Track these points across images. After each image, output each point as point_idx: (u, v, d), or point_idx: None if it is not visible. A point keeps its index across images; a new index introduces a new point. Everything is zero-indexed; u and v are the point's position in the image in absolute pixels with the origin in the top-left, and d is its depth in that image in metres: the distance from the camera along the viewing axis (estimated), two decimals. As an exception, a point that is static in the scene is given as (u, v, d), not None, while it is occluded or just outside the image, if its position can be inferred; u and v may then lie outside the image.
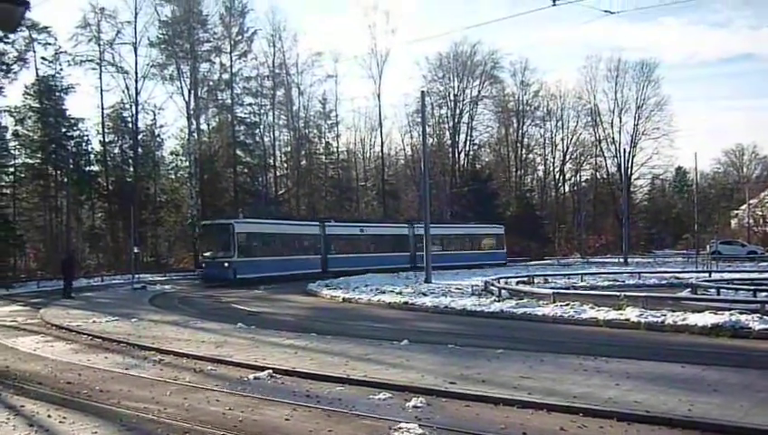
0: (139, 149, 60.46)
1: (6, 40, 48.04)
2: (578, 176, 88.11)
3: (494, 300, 24.14)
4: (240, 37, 65.57)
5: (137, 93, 59.16)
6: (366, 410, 9.24)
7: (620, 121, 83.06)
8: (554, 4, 21.52)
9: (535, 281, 34.20)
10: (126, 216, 48.26)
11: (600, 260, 62.84)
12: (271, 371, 11.81)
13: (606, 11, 25.31)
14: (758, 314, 16.74)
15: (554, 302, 21.76)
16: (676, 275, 37.87)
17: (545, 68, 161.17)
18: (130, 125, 59.84)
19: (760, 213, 78.70)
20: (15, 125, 52.89)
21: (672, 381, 10.29)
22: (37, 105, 53.48)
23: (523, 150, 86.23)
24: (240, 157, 66.71)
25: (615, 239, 73.26)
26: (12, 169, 52.68)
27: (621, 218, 65.77)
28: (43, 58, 53.30)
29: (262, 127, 69.99)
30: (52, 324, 20.43)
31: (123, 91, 59.10)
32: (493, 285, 28.84)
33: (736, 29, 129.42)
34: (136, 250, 42.63)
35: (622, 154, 76.75)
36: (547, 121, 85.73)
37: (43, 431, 8.39)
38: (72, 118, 55.38)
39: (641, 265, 49.62)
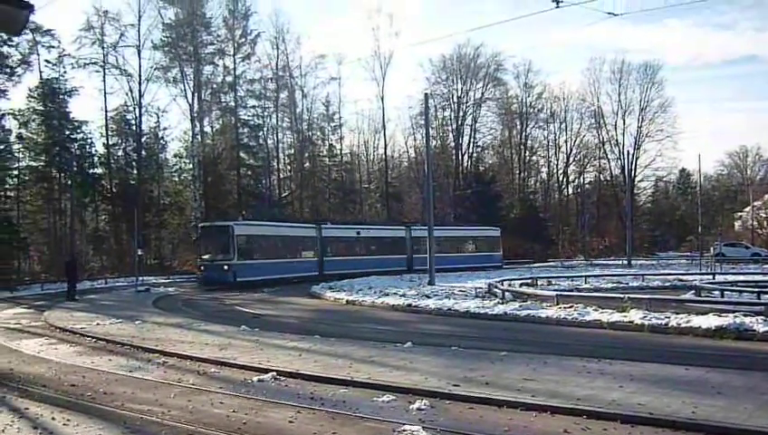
0: (143, 152, 60.55)
1: (10, 43, 48.23)
2: (581, 178, 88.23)
3: (498, 302, 24.11)
4: (243, 40, 65.74)
5: (140, 96, 59.35)
6: (370, 412, 9.24)
7: (624, 123, 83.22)
8: (558, 6, 21.58)
9: (539, 283, 34.14)
10: (129, 218, 48.33)
11: (604, 262, 62.70)
12: (275, 373, 11.80)
13: (609, 13, 25.31)
14: (762, 317, 16.69)
15: (558, 304, 21.73)
16: (680, 277, 37.80)
17: (549, 70, 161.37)
18: (134, 128, 59.98)
19: (764, 215, 78.49)
20: (19, 128, 53.14)
21: (676, 383, 10.27)
22: (41, 108, 53.62)
23: (527, 153, 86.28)
24: (243, 159, 66.78)
25: (618, 241, 73.10)
26: (16, 172, 52.80)
27: (625, 220, 65.71)
28: (46, 61, 53.61)
29: (265, 129, 70.16)
30: (55, 327, 20.46)
31: (127, 94, 59.34)
32: (496, 287, 28.81)
33: (741, 31, 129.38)
34: (139, 253, 42.77)
35: (626, 156, 76.85)
36: (550, 123, 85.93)
37: (47, 434, 8.42)
38: (76, 120, 55.64)
39: (645, 268, 49.56)
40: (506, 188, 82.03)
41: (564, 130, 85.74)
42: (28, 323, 22.29)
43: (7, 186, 51.77)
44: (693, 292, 26.57)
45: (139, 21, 58.18)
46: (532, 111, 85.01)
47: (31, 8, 5.77)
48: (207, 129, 65.45)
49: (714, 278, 35.41)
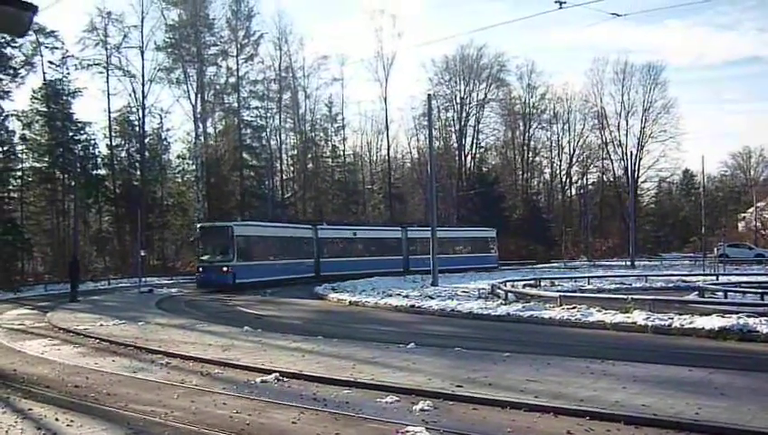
0: (146, 153, 60.70)
1: (14, 44, 48.34)
2: (584, 179, 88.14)
3: (501, 303, 24.14)
4: (246, 41, 65.88)
5: (143, 97, 59.56)
6: (373, 413, 9.24)
7: (627, 124, 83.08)
8: (561, 7, 21.61)
9: (542, 284, 34.14)
10: (133, 219, 48.39)
11: (607, 263, 62.72)
12: (278, 374, 11.80)
13: (612, 13, 25.31)
14: (766, 318, 16.67)
15: (561, 305, 21.74)
16: (684, 278, 37.79)
17: (552, 71, 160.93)
18: (137, 129, 60.11)
19: (767, 216, 78.39)
20: (23, 129, 53.25)
21: (679, 384, 10.26)
22: (44, 109, 53.72)
23: (530, 153, 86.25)
24: (246, 160, 66.85)
25: (622, 242, 73.09)
26: (19, 173, 52.95)
27: (628, 221, 65.64)
28: (50, 62, 53.65)
29: (268, 130, 70.23)
30: (59, 328, 20.49)
31: (130, 95, 59.58)
32: (499, 288, 28.81)
33: (744, 32, 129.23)
34: (143, 253, 42.74)
35: (629, 157, 76.68)
36: (554, 124, 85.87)
37: (50, 434, 8.42)
38: (80, 122, 55.72)
39: (648, 269, 49.54)
40: (509, 188, 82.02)
41: (567, 130, 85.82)
42: (32, 324, 22.33)
43: (11, 187, 51.89)
44: (696, 293, 26.54)
45: (142, 22, 58.50)
46: (535, 111, 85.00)
47: (34, 9, 5.77)
48: (210, 130, 65.64)
49: (717, 279, 35.39)
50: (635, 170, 76.38)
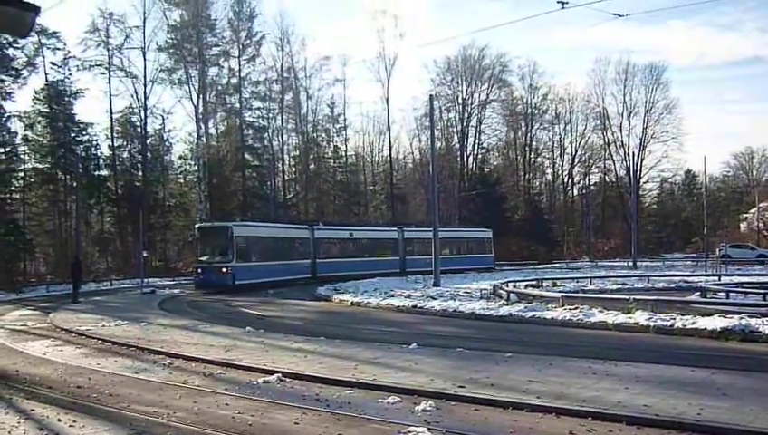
0: (148, 154, 60.79)
1: (16, 45, 48.38)
2: (586, 179, 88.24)
3: (503, 304, 24.13)
4: (248, 41, 65.87)
5: (145, 98, 59.64)
6: (375, 413, 9.24)
7: (629, 125, 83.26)
8: (563, 8, 21.60)
9: (544, 284, 34.12)
10: (135, 220, 48.50)
11: (609, 264, 62.68)
12: (280, 374, 11.80)
13: (614, 14, 25.23)
14: (768, 318, 16.67)
15: (563, 305, 21.72)
16: (686, 278, 37.81)
17: (553, 71, 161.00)
18: (139, 129, 60.19)
19: (770, 216, 78.41)
20: (25, 130, 53.38)
21: (681, 384, 10.26)
22: (46, 110, 53.79)
23: (532, 154, 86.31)
24: (248, 161, 66.89)
25: (624, 243, 73.10)
26: (21, 174, 53.02)
27: (630, 222, 65.65)
28: (52, 63, 53.74)
29: (270, 131, 70.31)
30: (61, 328, 20.50)
31: (132, 96, 59.61)
32: (501, 288, 28.79)
33: (745, 32, 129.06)
34: (145, 254, 42.70)
35: (631, 157, 76.59)
36: (555, 125, 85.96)
37: (53, 435, 8.45)
38: (81, 122, 55.80)
39: (650, 269, 49.52)
40: (511, 189, 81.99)
41: (569, 131, 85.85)
42: (34, 325, 22.34)
43: (13, 188, 51.99)
44: (698, 293, 26.57)
45: (144, 23, 58.56)
46: (537, 112, 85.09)
47: (37, 10, 5.77)
48: (212, 130, 65.58)
49: (719, 280, 35.38)
50: (637, 171, 76.38)
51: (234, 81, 65.21)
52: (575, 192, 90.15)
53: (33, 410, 9.72)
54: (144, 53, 58.88)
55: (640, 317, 18.35)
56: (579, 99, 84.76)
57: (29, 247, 49.13)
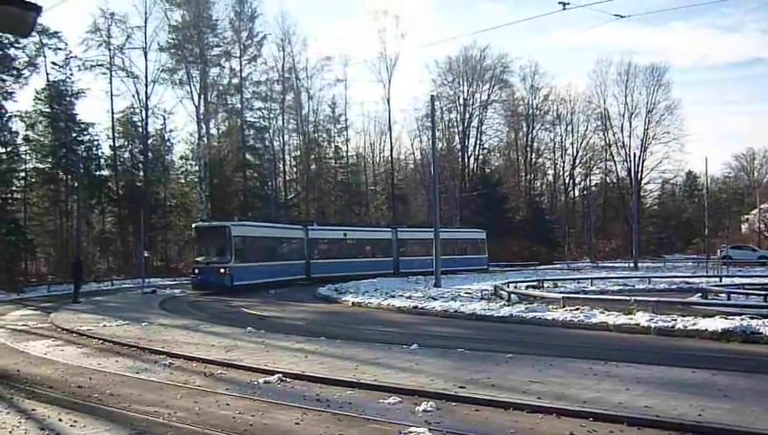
0: (149, 154, 60.81)
1: (17, 45, 48.40)
2: (588, 180, 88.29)
3: (504, 304, 24.12)
4: (250, 42, 65.96)
5: (147, 98, 59.71)
6: (376, 414, 9.24)
7: (630, 126, 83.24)
8: (564, 8, 21.61)
9: (545, 285, 34.14)
10: (136, 220, 48.50)
11: (610, 265, 62.66)
12: (281, 375, 11.80)
13: (616, 15, 25.27)
14: (769, 319, 16.65)
15: (564, 306, 21.73)
16: (687, 279, 37.81)
17: (555, 72, 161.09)
18: (140, 130, 60.23)
19: (771, 217, 78.39)
20: (26, 130, 53.41)
21: (682, 385, 10.25)
22: (48, 110, 53.83)
23: (533, 155, 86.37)
24: (249, 161, 66.92)
25: (625, 244, 73.10)
26: (22, 174, 52.99)
27: (631, 223, 65.62)
28: (53, 63, 53.81)
29: (271, 131, 70.37)
30: (62, 328, 20.50)
31: (133, 96, 59.64)
32: (502, 289, 28.78)
33: (747, 33, 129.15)
34: (146, 254, 42.67)
35: (632, 158, 76.55)
36: (557, 126, 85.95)
37: (54, 435, 8.45)
38: (83, 123, 55.81)
39: (651, 270, 49.52)
40: (512, 190, 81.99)
41: (571, 132, 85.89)
42: (35, 325, 22.33)
43: (14, 188, 51.99)
44: (699, 294, 26.57)
45: (146, 23, 58.56)
46: (538, 113, 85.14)
47: (38, 10, 5.79)
48: (213, 131, 65.68)
49: (720, 281, 35.38)
50: (638, 172, 76.41)
51: (235, 81, 65.34)
52: (576, 193, 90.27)
53: (34, 409, 9.72)
54: (145, 53, 59.00)
55: (641, 318, 18.33)
56: (580, 100, 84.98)
57: (30, 247, 49.18)
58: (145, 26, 58.43)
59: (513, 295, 26.58)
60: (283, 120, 71.91)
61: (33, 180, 54.07)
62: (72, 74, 54.83)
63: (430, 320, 22.64)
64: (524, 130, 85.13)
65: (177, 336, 17.52)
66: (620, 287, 34.15)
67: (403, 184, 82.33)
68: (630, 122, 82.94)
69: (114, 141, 59.27)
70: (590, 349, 14.68)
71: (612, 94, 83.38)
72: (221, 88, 64.73)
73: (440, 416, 9.04)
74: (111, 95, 58.23)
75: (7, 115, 50.19)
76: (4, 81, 48.84)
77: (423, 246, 54.62)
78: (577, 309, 20.75)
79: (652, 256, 73.88)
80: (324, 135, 76.58)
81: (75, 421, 8.99)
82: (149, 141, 60.87)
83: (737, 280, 35.48)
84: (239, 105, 65.86)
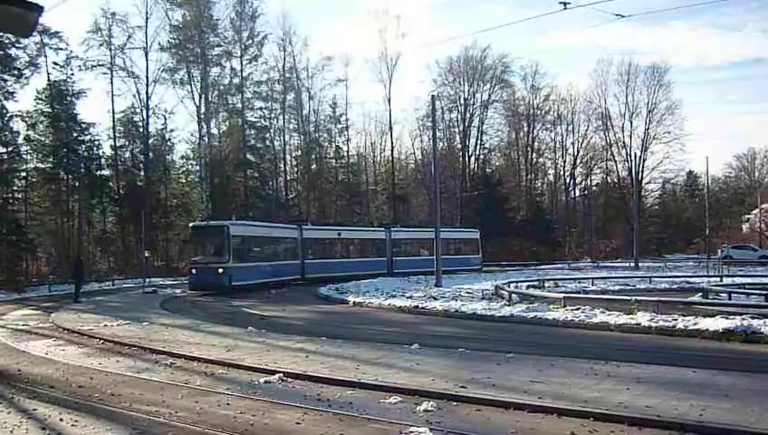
0: (150, 154, 60.81)
1: (18, 45, 48.40)
2: (588, 180, 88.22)
3: (505, 304, 24.11)
4: (250, 41, 66.00)
5: (147, 98, 59.68)
6: (377, 413, 9.24)
7: (631, 125, 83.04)
8: (565, 8, 21.57)
9: (546, 285, 34.14)
10: (137, 220, 48.53)
11: (611, 264, 62.62)
12: (281, 374, 11.81)
13: (617, 14, 25.19)
14: (770, 319, 16.64)
15: (565, 306, 21.74)
16: (688, 279, 37.81)
17: (555, 72, 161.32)
18: (141, 129, 60.25)
19: (772, 217, 78.32)
20: (27, 130, 53.36)
21: (683, 385, 10.25)
22: (49, 110, 53.83)
23: (534, 154, 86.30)
24: (250, 161, 66.99)
25: (625, 244, 72.99)
26: (23, 174, 52.95)
27: (632, 223, 65.54)
28: (54, 63, 53.80)
29: (272, 131, 70.41)
30: (63, 328, 20.50)
31: (134, 96, 59.67)
32: (503, 289, 28.78)
33: (748, 33, 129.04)
34: (146, 254, 42.68)
35: (633, 158, 76.30)
36: (558, 125, 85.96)
37: (55, 434, 8.44)
38: (84, 122, 55.78)
39: (652, 270, 49.45)
40: (513, 190, 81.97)
41: (571, 132, 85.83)
42: (36, 325, 22.33)
43: (15, 187, 51.95)
44: (700, 294, 26.57)
45: (147, 23, 58.57)
46: (539, 112, 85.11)
47: (40, 10, 5.80)
48: (214, 130, 65.69)
49: (721, 281, 35.37)
50: (639, 172, 76.38)
51: (236, 81, 65.40)
52: (577, 193, 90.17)
53: (35, 409, 9.72)
54: (146, 53, 59.02)
55: (642, 318, 18.34)
56: (581, 99, 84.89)
57: (31, 247, 49.16)
58: (146, 26, 58.55)
59: (513, 295, 26.61)
60: (283, 119, 71.99)
61: (34, 180, 54.05)
62: (72, 74, 54.96)
63: (431, 320, 22.64)
64: (525, 129, 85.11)
65: (178, 336, 17.52)
66: (621, 287, 34.15)
67: (404, 184, 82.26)
68: (631, 122, 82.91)
69: (115, 141, 59.37)
70: (591, 349, 14.69)
71: (613, 94, 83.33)
72: (222, 88, 64.82)
73: (441, 416, 9.04)
74: (112, 95, 58.42)
75: (8, 115, 50.14)
76: (5, 80, 48.81)
77: (417, 245, 54.61)
78: (578, 309, 20.76)
79: (653, 255, 73.79)
80: (325, 135, 76.63)
81: (76, 421, 9.00)
82: (150, 141, 60.88)
83: (738, 280, 35.41)
84: (240, 105, 65.91)
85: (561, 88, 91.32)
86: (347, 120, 76.90)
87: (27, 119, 52.87)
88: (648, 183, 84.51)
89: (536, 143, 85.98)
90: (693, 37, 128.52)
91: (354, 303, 28.55)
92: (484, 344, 15.46)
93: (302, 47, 74.63)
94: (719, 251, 58.39)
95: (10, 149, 50.55)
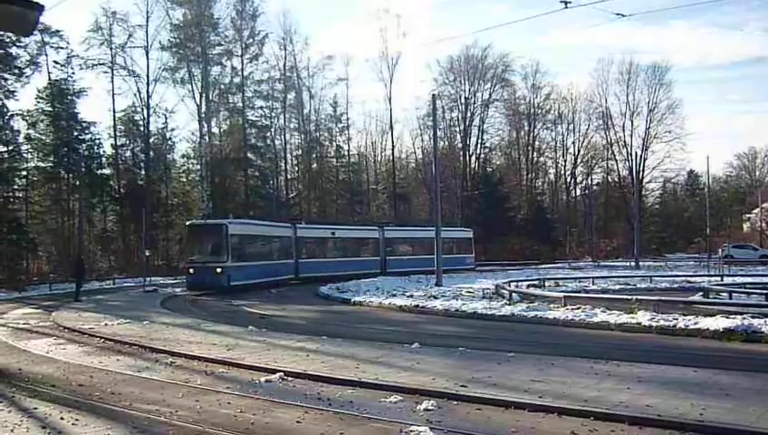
0: (151, 153, 60.83)
1: (19, 44, 48.31)
2: (589, 179, 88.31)
3: (505, 303, 24.12)
4: (251, 40, 66.07)
5: (148, 97, 59.68)
6: (377, 412, 9.24)
7: (632, 125, 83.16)
8: (566, 7, 21.54)
9: (546, 284, 34.13)
10: (137, 219, 48.49)
11: (612, 264, 62.65)
12: (282, 373, 11.80)
13: (617, 14, 25.18)
14: (771, 318, 16.63)
15: (565, 305, 21.73)
16: (688, 278, 37.81)
17: (556, 71, 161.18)
18: (142, 128, 60.25)
19: (772, 217, 78.30)
20: (28, 129, 53.34)
21: (684, 385, 10.25)
22: (49, 109, 53.81)
23: (535, 154, 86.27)
24: (251, 160, 67.06)
25: (626, 243, 72.97)
26: (24, 173, 52.93)
27: (633, 222, 65.53)
28: (55, 62, 53.75)
29: (273, 130, 70.48)
30: (64, 327, 20.48)
31: (135, 95, 59.69)
32: (504, 288, 28.77)
33: (749, 32, 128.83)
34: (147, 253, 42.65)
35: (634, 157, 76.46)
36: (558, 125, 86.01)
37: (55, 433, 8.44)
38: (84, 121, 55.75)
39: (653, 269, 49.49)
40: (514, 189, 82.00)
41: (572, 131, 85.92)
42: (36, 324, 22.31)
43: (16, 186, 51.92)
44: (701, 294, 26.55)
45: (147, 22, 58.58)
46: (539, 112, 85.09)
47: (41, 9, 5.79)
48: (215, 129, 65.80)
49: (722, 280, 35.37)
50: (639, 171, 76.46)
51: (236, 80, 65.45)
52: (578, 192, 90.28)
53: (35, 408, 9.71)
54: (147, 52, 59.01)
55: (643, 317, 18.35)
56: (581, 99, 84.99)
57: (32, 246, 49.16)
58: (146, 25, 58.55)
59: (514, 294, 26.60)
60: (284, 118, 72.09)
61: (35, 179, 54.06)
62: (73, 73, 54.93)
63: (431, 319, 22.65)
64: (526, 129, 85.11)
65: (179, 335, 17.52)
66: (622, 286, 34.16)
67: (404, 183, 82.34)
68: (632, 121, 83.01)
69: (116, 140, 59.43)
70: (592, 348, 14.69)
71: (614, 93, 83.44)
72: (222, 87, 64.86)
73: (441, 415, 9.04)
74: (113, 94, 58.49)
75: (9, 114, 50.14)
76: (5, 79, 48.76)
77: (411, 244, 54.39)
78: (578, 308, 20.76)
79: (653, 255, 73.79)
80: (326, 134, 76.70)
81: (77, 420, 8.99)
82: (151, 140, 60.88)
83: (739, 279, 35.40)
84: (241, 104, 65.97)
85: (562, 87, 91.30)
86: (347, 119, 77.13)
87: (28, 118, 52.91)
88: (648, 182, 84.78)
89: (537, 142, 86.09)
90: (694, 36, 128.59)
91: (355, 302, 28.55)
92: (485, 344, 15.47)
93: (302, 46, 74.64)
94: (720, 250, 58.41)
95: (11, 147, 50.57)
